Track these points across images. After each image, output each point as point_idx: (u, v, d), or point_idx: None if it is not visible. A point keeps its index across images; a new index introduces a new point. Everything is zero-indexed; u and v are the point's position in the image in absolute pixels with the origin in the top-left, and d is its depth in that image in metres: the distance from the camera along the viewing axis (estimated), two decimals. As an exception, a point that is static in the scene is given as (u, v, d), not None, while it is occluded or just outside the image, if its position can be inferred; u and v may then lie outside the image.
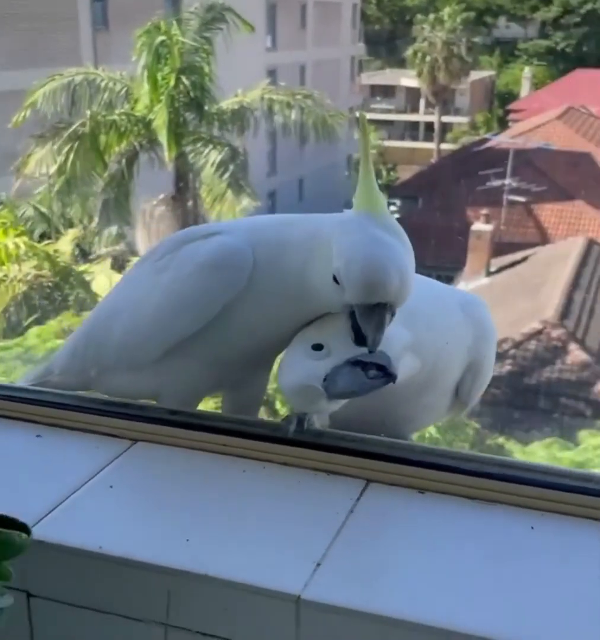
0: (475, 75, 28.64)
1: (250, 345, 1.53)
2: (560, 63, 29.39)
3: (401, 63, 29.81)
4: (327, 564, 1.19)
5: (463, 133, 27.00)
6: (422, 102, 28.90)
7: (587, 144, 22.07)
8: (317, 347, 1.36)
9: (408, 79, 28.40)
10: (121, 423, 1.60)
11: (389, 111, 28.81)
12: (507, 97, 28.97)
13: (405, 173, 23.94)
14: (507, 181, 18.32)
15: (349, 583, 1.16)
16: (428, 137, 27.64)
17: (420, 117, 28.83)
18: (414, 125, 29.11)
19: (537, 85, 28.82)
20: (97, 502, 1.37)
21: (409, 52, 28.81)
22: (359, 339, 1.31)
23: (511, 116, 25.86)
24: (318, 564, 1.19)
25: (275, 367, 1.60)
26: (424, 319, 1.43)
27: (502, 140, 21.88)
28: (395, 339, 1.35)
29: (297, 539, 1.26)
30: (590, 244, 15.61)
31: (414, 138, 28.76)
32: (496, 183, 18.33)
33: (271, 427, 1.54)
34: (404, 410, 1.54)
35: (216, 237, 1.51)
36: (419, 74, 27.85)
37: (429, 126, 27.81)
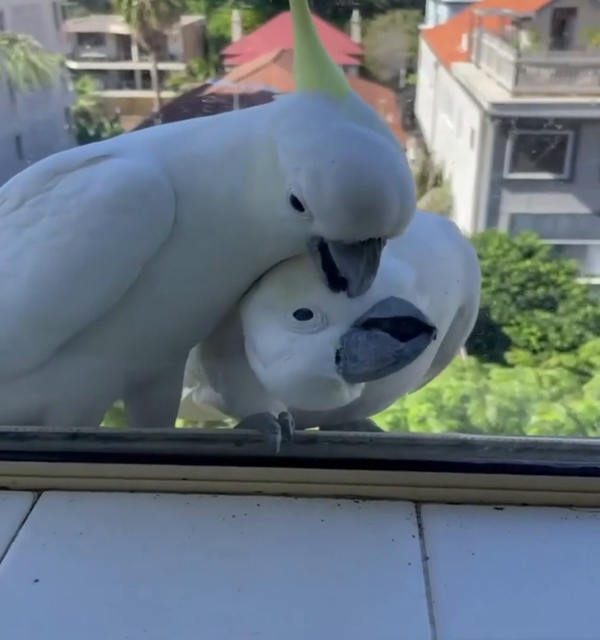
0: (185, 20, 28.10)
1: (175, 320, 1.08)
2: (266, 6, 29.68)
3: (107, 8, 28.54)
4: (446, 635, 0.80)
5: (182, 80, 26.47)
6: (134, 49, 27.89)
7: (304, 86, 22.50)
8: (304, 314, 0.94)
9: (117, 26, 27.23)
10: (11, 467, 1.09)
11: (101, 60, 27.46)
12: (220, 42, 28.78)
13: (128, 124, 23.01)
14: (236, 126, 18.19)
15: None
16: (146, 86, 26.72)
17: (135, 65, 27.79)
18: (130, 73, 28.04)
19: (247, 28, 28.93)
20: (25, 618, 0.86)
21: (113, -3, 27.61)
22: (335, 281, 0.92)
23: (227, 61, 25.77)
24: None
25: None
26: (422, 246, 1.05)
27: (224, 85, 21.70)
28: (406, 279, 0.96)
29: (378, 616, 0.85)
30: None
31: (132, 87, 27.69)
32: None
33: (236, 440, 1.10)
34: (391, 382, 1.14)
35: (110, 160, 1.03)
36: (128, 20, 26.77)
37: (146, 74, 26.89)
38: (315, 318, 0.95)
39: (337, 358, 0.93)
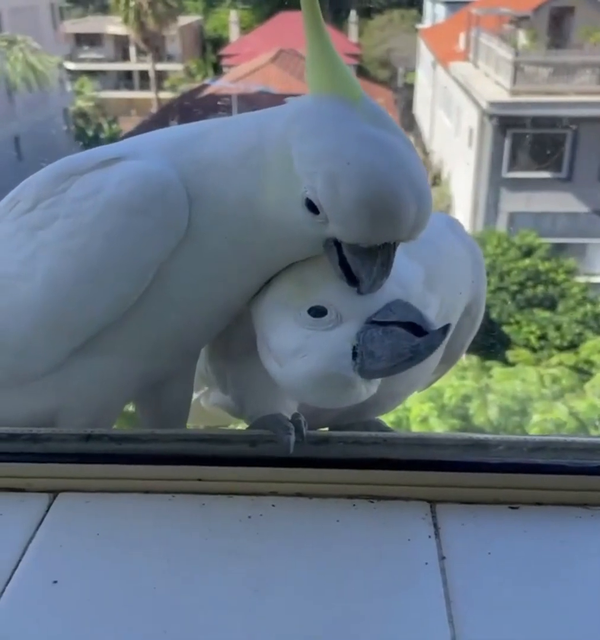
0: (183, 20, 28.12)
1: (188, 321, 1.09)
2: (264, 6, 29.67)
3: (104, 9, 28.54)
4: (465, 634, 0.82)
5: (180, 80, 26.48)
6: (132, 50, 27.91)
7: (303, 86, 22.51)
8: (318, 312, 0.95)
9: (114, 26, 27.25)
10: (26, 468, 1.10)
11: (99, 61, 27.49)
12: (217, 42, 28.78)
13: (127, 125, 23.02)
14: (234, 126, 18.18)
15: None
16: (144, 86, 26.74)
17: (133, 65, 27.82)
18: (128, 74, 28.07)
19: (244, 29, 28.94)
20: (45, 619, 0.87)
21: (111, -3, 27.61)
22: (352, 277, 0.94)
23: (224, 61, 25.78)
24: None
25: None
26: (430, 245, 1.06)
27: (222, 85, 21.70)
28: (415, 279, 0.97)
29: (396, 616, 0.86)
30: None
31: (130, 87, 27.72)
32: (224, 129, 18.13)
33: (250, 441, 1.11)
34: (402, 380, 1.13)
35: (123, 162, 1.03)
36: (125, 20, 26.78)
37: (144, 74, 26.93)
38: (329, 315, 0.96)
39: (354, 354, 0.94)
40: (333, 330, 0.95)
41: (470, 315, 1.24)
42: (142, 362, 1.14)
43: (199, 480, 1.07)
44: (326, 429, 1.28)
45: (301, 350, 0.97)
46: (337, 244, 0.94)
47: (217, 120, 1.10)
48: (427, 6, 25.51)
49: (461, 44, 18.94)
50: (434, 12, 24.73)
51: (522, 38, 17.16)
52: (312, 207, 0.91)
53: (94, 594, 0.92)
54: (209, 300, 1.08)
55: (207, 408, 1.50)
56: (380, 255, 0.92)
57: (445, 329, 0.92)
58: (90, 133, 22.90)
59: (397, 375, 0.98)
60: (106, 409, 1.20)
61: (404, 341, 0.92)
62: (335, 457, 1.07)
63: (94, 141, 23.80)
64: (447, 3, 23.12)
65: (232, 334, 1.18)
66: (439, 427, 7.04)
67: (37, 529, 1.01)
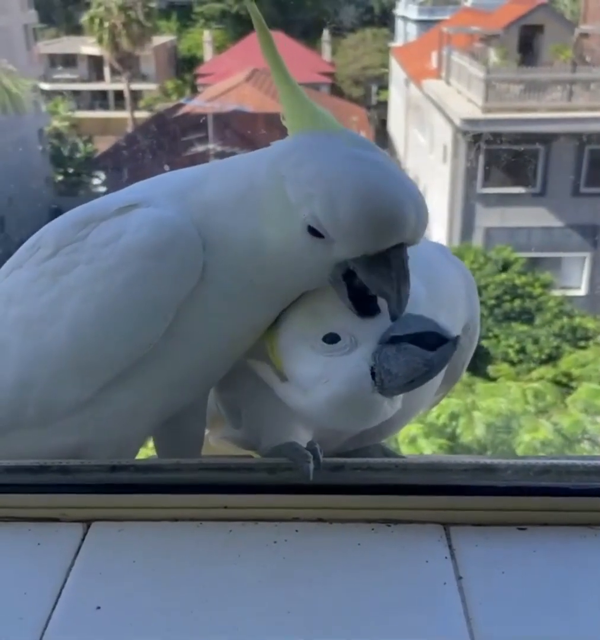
0: (157, 40, 28.18)
1: (204, 356, 1.15)
2: (237, 26, 29.80)
3: (78, 30, 28.52)
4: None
5: (156, 100, 26.50)
6: (106, 70, 27.93)
7: (277, 105, 22.51)
8: (333, 338, 1.01)
9: (88, 47, 27.25)
10: (59, 499, 1.15)
11: (73, 81, 27.51)
12: (192, 62, 28.86)
13: (102, 144, 23.01)
14: (211, 146, 18.23)
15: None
16: (120, 106, 26.78)
17: (108, 85, 27.83)
18: (103, 94, 28.08)
19: (219, 48, 29.04)
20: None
21: (85, 18, 27.60)
22: (363, 308, 1.00)
23: (200, 80, 25.86)
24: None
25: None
26: (428, 267, 1.12)
27: (197, 104, 21.76)
28: (421, 296, 1.04)
29: (421, 635, 0.92)
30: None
31: (105, 107, 27.75)
32: (201, 148, 18.17)
33: (269, 469, 1.16)
34: (408, 401, 1.19)
35: (139, 210, 1.10)
36: (100, 41, 26.80)
37: (119, 94, 26.96)
38: (343, 340, 1.02)
39: (372, 374, 1.00)
40: (350, 354, 1.01)
41: (467, 334, 1.31)
42: (163, 396, 1.20)
43: (225, 507, 1.12)
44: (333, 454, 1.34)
45: (323, 377, 1.02)
46: (346, 277, 1.00)
47: (215, 163, 1.17)
48: (399, 25, 25.76)
49: (433, 62, 19.15)
50: (406, 31, 24.96)
51: (493, 56, 17.41)
52: (314, 231, 0.98)
53: (136, 619, 0.97)
54: (225, 336, 1.14)
55: (214, 442, 1.54)
56: (394, 260, 0.97)
57: (455, 340, 0.99)
58: (65, 153, 22.89)
59: (405, 394, 1.04)
60: (128, 443, 1.25)
61: (417, 356, 0.98)
62: (352, 483, 1.13)
63: (69, 161, 23.91)
64: (418, 22, 23.38)
65: (244, 369, 1.24)
66: (427, 448, 7.08)
67: (75, 557, 1.06)
